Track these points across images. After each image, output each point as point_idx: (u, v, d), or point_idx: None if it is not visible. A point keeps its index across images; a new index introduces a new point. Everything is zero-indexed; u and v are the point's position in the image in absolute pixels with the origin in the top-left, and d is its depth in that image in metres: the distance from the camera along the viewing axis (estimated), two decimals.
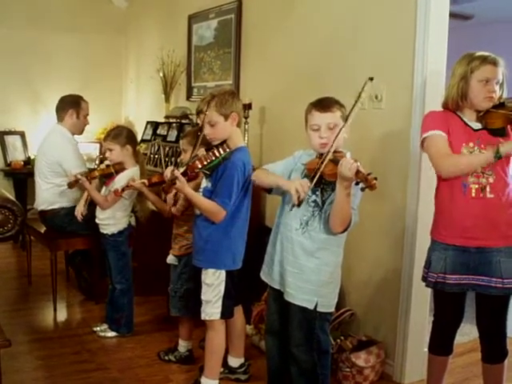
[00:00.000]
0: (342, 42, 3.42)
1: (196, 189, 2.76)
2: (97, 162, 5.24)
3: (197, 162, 2.58)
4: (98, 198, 3.48)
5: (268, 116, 4.17)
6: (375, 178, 1.98)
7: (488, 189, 2.38)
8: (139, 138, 5.04)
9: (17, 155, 6.15)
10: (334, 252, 2.39)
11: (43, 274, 4.47)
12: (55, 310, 4.00)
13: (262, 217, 4.08)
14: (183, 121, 4.90)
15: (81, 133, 4.25)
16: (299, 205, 2.22)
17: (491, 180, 2.38)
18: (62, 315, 4.03)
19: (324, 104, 2.34)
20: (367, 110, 3.15)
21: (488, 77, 2.38)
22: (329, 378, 2.51)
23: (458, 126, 2.44)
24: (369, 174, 2.00)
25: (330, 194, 2.29)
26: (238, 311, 2.99)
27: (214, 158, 2.58)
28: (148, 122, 5.50)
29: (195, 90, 5.25)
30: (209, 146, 2.70)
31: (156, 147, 4.83)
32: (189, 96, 5.34)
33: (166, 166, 4.44)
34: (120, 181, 3.41)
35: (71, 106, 4.11)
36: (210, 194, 2.70)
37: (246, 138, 3.89)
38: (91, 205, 3.61)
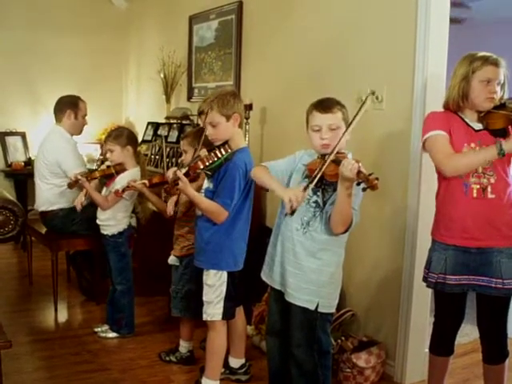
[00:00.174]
0: (342, 42, 3.43)
1: (198, 190, 2.76)
2: (98, 163, 5.25)
3: (199, 162, 2.59)
4: (98, 199, 3.48)
5: (268, 116, 4.17)
6: (376, 179, 1.98)
7: (489, 189, 2.38)
8: (140, 139, 5.04)
9: (17, 156, 6.16)
10: (335, 252, 2.39)
11: (44, 275, 4.48)
12: (56, 310, 4.00)
13: (262, 217, 4.08)
14: (184, 121, 4.91)
15: (79, 133, 4.25)
16: (292, 214, 2.22)
17: (492, 180, 2.38)
18: (62, 316, 4.03)
19: (325, 105, 2.34)
20: (368, 111, 3.12)
21: (489, 77, 2.38)
22: (329, 378, 2.51)
23: (460, 127, 2.44)
24: (370, 175, 2.00)
25: (331, 195, 2.29)
26: (239, 312, 2.99)
27: (215, 159, 2.59)
28: (149, 123, 5.51)
29: (196, 91, 5.26)
30: (210, 147, 2.71)
31: (157, 147, 4.83)
32: (189, 97, 5.34)
33: (167, 167, 4.45)
34: (120, 181, 3.41)
35: (69, 106, 4.11)
36: (211, 195, 2.70)
37: (247, 139, 3.89)
38: (92, 205, 3.61)
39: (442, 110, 2.54)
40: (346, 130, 2.24)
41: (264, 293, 3.38)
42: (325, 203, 2.32)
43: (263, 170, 2.44)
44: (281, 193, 2.25)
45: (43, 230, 4.16)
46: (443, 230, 2.48)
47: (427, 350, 2.72)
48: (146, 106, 6.33)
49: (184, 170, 2.60)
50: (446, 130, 2.43)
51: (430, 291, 2.79)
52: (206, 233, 2.74)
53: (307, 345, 2.40)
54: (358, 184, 2.06)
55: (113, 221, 3.51)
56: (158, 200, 3.26)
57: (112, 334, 3.57)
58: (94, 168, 4.46)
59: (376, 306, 3.26)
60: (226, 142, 2.68)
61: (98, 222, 3.56)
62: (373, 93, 2.25)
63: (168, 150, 4.69)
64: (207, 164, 2.58)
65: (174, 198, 2.96)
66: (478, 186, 2.38)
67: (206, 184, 2.77)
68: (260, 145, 4.19)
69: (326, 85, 3.45)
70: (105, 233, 3.54)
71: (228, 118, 2.69)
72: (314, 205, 2.33)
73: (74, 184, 3.57)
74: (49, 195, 4.02)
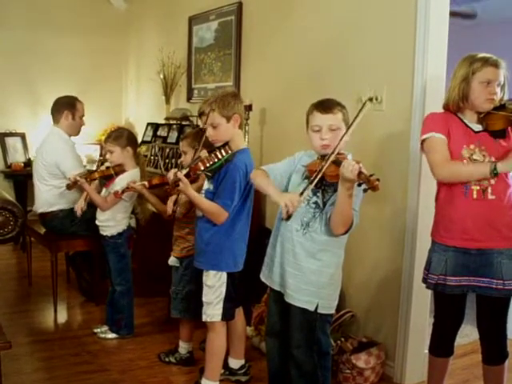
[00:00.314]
0: (342, 43, 3.43)
1: (198, 191, 2.76)
2: (97, 163, 5.25)
3: (199, 163, 2.58)
4: (98, 200, 3.48)
5: (268, 117, 4.17)
6: (378, 179, 1.98)
7: (489, 190, 2.38)
8: (139, 140, 5.04)
9: (17, 157, 6.16)
10: (335, 253, 2.38)
11: (44, 276, 4.47)
12: (55, 311, 4.00)
13: (262, 218, 4.08)
14: (183, 122, 4.91)
15: (77, 134, 4.25)
16: (288, 219, 2.22)
17: (492, 182, 2.38)
18: (62, 317, 4.03)
19: (325, 105, 2.34)
20: (367, 112, 3.13)
21: (489, 78, 2.38)
22: (329, 379, 2.50)
23: (459, 128, 2.44)
24: (371, 176, 2.00)
25: (331, 196, 2.29)
26: (239, 313, 2.99)
27: (216, 160, 2.58)
28: (148, 124, 5.51)
29: (195, 92, 5.26)
30: (210, 148, 2.71)
31: (156, 148, 4.83)
32: (189, 97, 5.34)
33: (166, 168, 4.44)
34: (120, 182, 3.41)
35: (66, 107, 4.10)
36: (211, 196, 2.70)
37: (247, 140, 3.89)
38: (92, 206, 3.61)
39: (442, 110, 2.54)
40: (346, 133, 2.24)
41: (263, 294, 3.38)
42: (325, 204, 2.32)
43: (261, 174, 2.42)
44: (277, 198, 2.24)
45: (43, 231, 4.16)
46: (443, 232, 2.48)
47: (427, 351, 2.72)
48: (145, 107, 6.33)
49: (185, 171, 2.60)
50: (445, 132, 2.43)
51: (429, 292, 2.79)
52: (206, 234, 2.74)
53: (307, 346, 2.40)
54: (359, 185, 2.05)
55: (112, 222, 3.51)
56: (158, 201, 3.26)
57: (111, 335, 3.57)
58: (94, 169, 4.45)
59: (376, 307, 3.26)
60: (226, 143, 2.68)
61: (97, 222, 3.56)
62: (370, 99, 2.24)
63: (167, 150, 4.69)
64: (208, 165, 2.58)
65: (174, 197, 2.96)
66: (478, 188, 2.38)
67: (207, 185, 2.77)
68: (260, 146, 4.19)
69: (326, 86, 3.45)
70: (104, 234, 3.53)
71: (228, 119, 2.69)
72: (313, 205, 2.33)
73: (73, 185, 3.56)
74: (48, 196, 4.01)
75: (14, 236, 3.49)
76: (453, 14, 3.02)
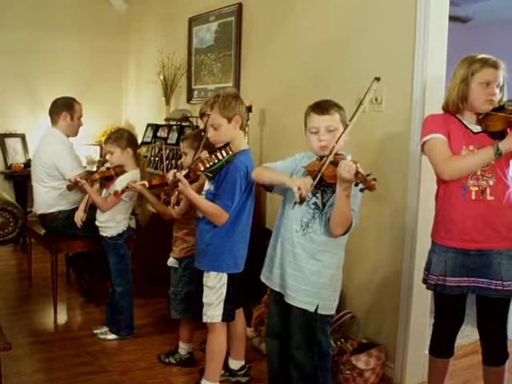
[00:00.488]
0: (341, 44, 3.43)
1: (198, 191, 2.76)
2: (98, 164, 5.24)
3: (199, 164, 2.58)
4: (98, 200, 3.48)
5: (268, 118, 4.17)
6: (374, 179, 1.98)
7: (488, 191, 2.38)
8: (139, 141, 5.04)
9: (17, 158, 6.16)
10: (335, 254, 2.38)
11: (44, 277, 4.48)
12: (56, 312, 4.00)
13: (262, 219, 4.09)
14: (183, 123, 4.91)
15: (75, 135, 4.25)
16: (301, 202, 2.23)
17: (491, 182, 2.38)
18: (62, 318, 4.03)
19: (322, 107, 2.34)
20: (367, 113, 3.15)
21: (489, 80, 2.38)
22: (329, 380, 2.50)
23: (458, 129, 2.44)
24: (368, 175, 2.00)
25: (331, 196, 2.29)
26: (239, 314, 2.99)
27: (216, 161, 2.57)
28: (148, 125, 5.51)
29: (195, 93, 5.26)
30: (211, 149, 2.70)
31: (157, 149, 4.83)
32: (189, 98, 5.34)
33: (167, 169, 4.44)
34: (120, 183, 3.41)
35: (64, 108, 4.11)
36: (212, 197, 2.70)
37: (246, 141, 3.88)
38: (92, 207, 3.61)
39: (441, 111, 2.54)
40: (344, 131, 2.23)
41: (263, 295, 3.38)
42: (324, 205, 2.32)
43: (266, 169, 2.45)
44: (290, 182, 2.25)
45: (42, 232, 4.17)
46: (443, 233, 2.48)
47: (427, 352, 2.72)
48: (145, 108, 6.33)
49: (184, 172, 2.60)
50: (445, 133, 2.43)
51: (429, 293, 2.79)
52: (207, 235, 2.74)
53: (307, 347, 2.40)
54: (356, 185, 2.05)
55: (112, 222, 3.51)
56: (158, 202, 3.26)
57: (111, 336, 3.57)
58: (94, 170, 4.45)
59: (376, 308, 3.26)
60: (227, 144, 2.67)
61: (97, 223, 3.56)
62: (377, 79, 2.23)
63: (167, 151, 4.69)
64: (208, 166, 2.58)
65: (174, 199, 2.95)
66: (477, 188, 2.38)
67: (207, 186, 2.77)
68: (259, 147, 4.19)
69: (326, 87, 3.45)
70: (104, 234, 3.54)
71: (229, 119, 2.69)
72: (313, 206, 2.33)
73: (73, 186, 3.57)
74: (47, 198, 4.01)
75: (14, 237, 3.50)
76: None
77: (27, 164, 5.97)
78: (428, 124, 2.51)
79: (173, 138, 4.89)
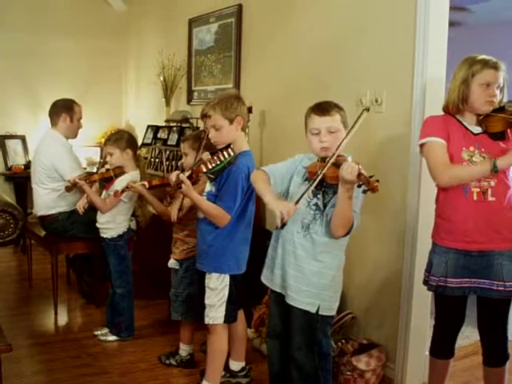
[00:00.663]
0: (342, 45, 3.43)
1: (200, 193, 2.75)
2: (98, 166, 5.24)
3: (202, 165, 2.58)
4: (97, 201, 3.47)
5: (268, 120, 4.17)
6: (377, 181, 1.99)
7: (489, 192, 2.38)
8: (140, 142, 5.04)
9: (17, 159, 6.17)
10: (336, 255, 2.38)
11: (44, 278, 4.48)
12: (56, 313, 3.99)
13: (262, 220, 4.08)
14: (184, 124, 4.91)
15: (75, 136, 4.25)
16: (282, 227, 2.22)
17: (492, 183, 2.38)
18: (62, 319, 4.03)
19: (323, 108, 2.34)
20: (368, 114, 3.14)
21: (489, 81, 2.38)
22: (330, 381, 2.50)
23: (458, 131, 2.45)
24: (371, 177, 2.00)
25: (332, 197, 2.29)
26: (240, 315, 2.98)
27: (219, 162, 2.57)
28: (149, 126, 5.51)
29: (196, 94, 5.26)
30: (212, 150, 2.70)
31: (157, 151, 4.83)
32: (189, 100, 5.35)
33: (167, 170, 4.45)
34: (120, 184, 3.40)
35: (64, 110, 4.11)
36: (214, 199, 2.70)
37: (246, 142, 3.89)
38: (92, 209, 3.61)
39: (442, 113, 2.54)
40: (345, 138, 2.23)
41: (264, 295, 3.38)
42: (325, 206, 2.32)
43: (261, 177, 2.40)
44: (273, 206, 2.22)
45: (43, 234, 4.16)
46: (444, 234, 2.48)
47: (427, 353, 2.72)
48: (145, 109, 6.34)
49: (187, 174, 2.60)
50: (444, 136, 2.43)
51: (430, 293, 2.78)
52: (209, 236, 2.74)
53: (308, 348, 2.40)
54: (359, 186, 2.06)
55: (112, 224, 3.51)
56: (158, 202, 3.26)
57: (112, 337, 3.57)
58: (94, 171, 4.46)
59: (376, 309, 3.26)
60: (228, 146, 2.67)
61: (97, 225, 3.56)
62: (367, 109, 2.24)
63: (168, 152, 4.69)
64: (210, 167, 2.57)
65: (177, 205, 2.95)
66: (478, 189, 2.38)
67: (209, 187, 2.77)
68: (259, 148, 4.19)
69: (326, 88, 3.45)
70: (104, 236, 3.53)
71: (231, 121, 2.69)
72: (314, 207, 2.33)
73: (72, 187, 3.56)
74: (47, 200, 4.01)
75: (15, 238, 3.50)
76: None
77: (27, 165, 5.97)
78: (427, 126, 2.51)
79: (173, 139, 4.89)
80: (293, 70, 3.88)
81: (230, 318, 2.79)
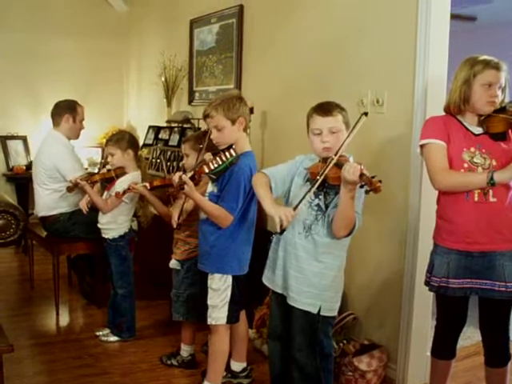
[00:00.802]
0: (343, 45, 3.43)
1: (202, 194, 2.75)
2: (99, 166, 5.25)
3: (204, 166, 2.58)
4: (99, 202, 3.48)
5: (269, 120, 4.17)
6: (379, 181, 1.99)
7: (491, 193, 2.37)
8: (141, 143, 5.04)
9: (19, 160, 6.18)
10: (337, 256, 2.38)
11: (45, 279, 4.47)
12: (57, 314, 3.99)
13: (263, 221, 4.08)
14: (185, 125, 4.91)
15: (77, 137, 4.26)
16: (281, 233, 2.22)
17: None
18: (64, 320, 4.03)
19: (325, 108, 2.34)
20: (369, 114, 3.14)
21: (491, 81, 2.38)
22: (331, 381, 2.51)
23: (459, 131, 2.44)
24: (373, 177, 2.00)
25: (333, 198, 2.29)
26: (242, 315, 2.98)
27: (221, 163, 2.57)
28: (150, 127, 5.52)
29: (197, 95, 5.26)
30: (214, 151, 2.70)
31: (158, 151, 4.83)
32: (190, 100, 5.35)
33: (168, 171, 4.45)
34: (121, 185, 3.41)
35: (67, 111, 4.11)
36: (216, 199, 2.70)
37: (248, 142, 3.88)
38: (93, 209, 3.61)
39: (443, 113, 2.54)
40: (346, 139, 2.23)
41: (265, 296, 3.38)
42: (327, 206, 2.32)
43: (261, 181, 2.41)
44: (272, 211, 2.22)
45: (44, 234, 4.16)
46: (445, 235, 2.48)
47: (429, 354, 2.72)
48: (147, 110, 6.34)
49: (190, 174, 2.60)
50: (445, 137, 2.43)
51: (431, 294, 2.78)
52: (211, 236, 2.73)
53: (309, 348, 2.40)
54: (361, 187, 2.06)
55: (114, 224, 3.51)
56: (159, 203, 3.26)
57: (113, 338, 3.57)
58: (95, 172, 4.46)
59: (378, 309, 3.26)
60: (230, 146, 2.67)
61: (99, 225, 3.56)
62: (366, 113, 2.24)
63: (169, 153, 4.69)
64: (212, 168, 2.57)
65: (178, 209, 2.94)
66: (480, 190, 2.38)
67: (211, 188, 2.77)
68: (261, 148, 4.19)
69: (327, 88, 3.45)
70: (106, 236, 3.54)
71: (233, 121, 2.69)
72: (316, 208, 2.33)
73: (73, 188, 3.56)
74: (48, 200, 4.01)
75: (16, 239, 3.50)
76: (453, 16, 3.02)
77: (29, 166, 5.98)
78: (428, 127, 2.51)
79: (174, 139, 4.89)
80: (294, 70, 3.87)
81: (232, 318, 2.79)
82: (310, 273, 2.35)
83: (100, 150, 6.35)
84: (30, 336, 3.62)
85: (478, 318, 2.56)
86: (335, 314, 2.48)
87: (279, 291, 2.47)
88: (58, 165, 3.96)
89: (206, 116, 2.74)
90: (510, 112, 2.39)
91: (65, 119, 4.09)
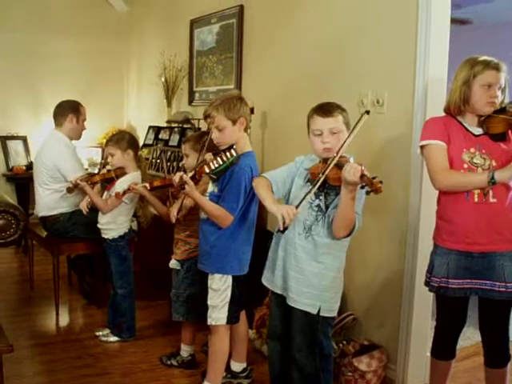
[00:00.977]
0: (343, 46, 3.43)
1: (202, 194, 2.76)
2: (99, 166, 5.26)
3: (204, 166, 2.58)
4: (99, 202, 3.48)
5: (270, 121, 4.17)
6: (380, 182, 1.99)
7: (491, 193, 2.38)
8: (141, 143, 5.04)
9: (19, 160, 6.18)
10: (337, 257, 2.38)
11: (45, 279, 4.47)
12: (57, 314, 3.99)
13: (263, 221, 4.08)
14: (185, 125, 4.91)
15: (79, 138, 4.26)
16: (283, 231, 2.23)
17: None
18: (64, 320, 4.03)
19: (325, 109, 2.34)
20: (369, 114, 3.14)
21: (490, 82, 2.38)
22: (331, 382, 2.51)
23: (459, 132, 2.44)
24: (374, 178, 2.00)
25: (334, 199, 2.29)
26: (242, 316, 2.98)
27: (221, 163, 2.57)
28: (150, 127, 5.52)
29: (197, 95, 5.26)
30: (214, 151, 2.70)
31: (158, 152, 4.83)
32: (191, 101, 5.35)
33: (168, 171, 4.45)
34: (121, 185, 3.41)
35: (71, 111, 4.11)
36: (216, 199, 2.70)
37: (249, 143, 3.88)
38: (93, 210, 3.61)
39: (443, 113, 2.54)
40: (347, 139, 2.23)
41: (265, 296, 3.38)
42: (327, 207, 2.32)
43: (262, 183, 2.43)
44: (274, 210, 2.24)
45: (44, 234, 4.16)
46: (445, 235, 2.48)
47: (429, 354, 2.72)
48: (147, 110, 6.34)
49: (190, 174, 2.60)
50: (445, 138, 2.43)
51: (431, 294, 2.78)
52: (212, 236, 2.73)
53: (308, 349, 2.40)
54: (362, 187, 2.06)
55: (114, 224, 3.51)
56: (159, 203, 3.27)
57: (113, 338, 3.57)
58: (95, 172, 4.46)
59: (377, 310, 3.26)
60: (231, 146, 2.67)
61: (98, 225, 3.56)
62: (367, 112, 2.24)
63: (169, 153, 4.69)
64: (213, 168, 2.58)
65: (177, 205, 2.95)
66: (480, 191, 2.38)
67: (211, 188, 2.77)
68: (261, 149, 4.19)
69: (327, 89, 3.45)
70: (106, 236, 3.54)
71: (234, 121, 2.69)
72: (316, 209, 2.33)
73: (73, 188, 3.56)
74: (48, 200, 4.01)
75: (16, 239, 3.51)
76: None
77: (29, 166, 5.98)
78: (428, 127, 2.51)
79: (174, 140, 4.89)
80: (294, 70, 3.88)
81: (232, 318, 2.79)
82: (310, 273, 2.35)
83: (100, 150, 6.35)
84: (29, 336, 3.62)
85: (478, 318, 2.56)
86: (335, 314, 2.48)
87: (279, 292, 2.47)
88: (58, 165, 3.96)
89: (206, 116, 2.74)
90: (510, 113, 2.39)
91: (68, 119, 4.09)
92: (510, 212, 2.41)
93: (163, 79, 5.46)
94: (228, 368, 3.05)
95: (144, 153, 4.93)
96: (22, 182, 5.90)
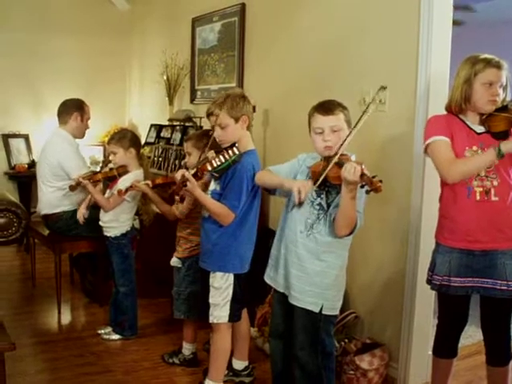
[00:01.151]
0: (345, 44, 3.43)
1: (204, 191, 2.76)
2: (101, 165, 5.25)
3: (207, 164, 2.59)
4: (101, 200, 3.48)
5: (271, 119, 4.17)
6: (380, 181, 1.98)
7: (493, 192, 2.37)
8: (143, 141, 5.04)
9: (21, 158, 6.18)
10: (339, 255, 2.38)
11: (47, 277, 4.48)
12: (59, 312, 4.00)
13: (265, 219, 4.08)
14: (187, 124, 4.91)
15: (82, 136, 4.27)
16: (300, 204, 2.24)
17: (495, 183, 2.38)
18: (66, 318, 4.04)
19: (326, 107, 2.34)
20: (371, 113, 3.14)
21: (492, 80, 2.38)
22: (333, 380, 2.50)
23: (461, 130, 2.44)
24: (373, 177, 2.00)
25: (335, 197, 2.29)
26: (244, 314, 2.98)
27: (224, 161, 2.57)
28: (152, 125, 5.52)
29: (199, 93, 5.26)
30: (217, 149, 2.71)
31: (160, 150, 4.84)
32: (192, 99, 5.35)
33: (171, 170, 4.45)
34: (123, 183, 3.41)
35: (75, 109, 4.12)
36: (218, 197, 2.70)
37: (252, 141, 3.88)
38: (95, 207, 3.62)
39: (445, 112, 2.54)
40: (349, 134, 2.23)
41: (267, 294, 3.38)
42: (328, 205, 2.32)
43: (268, 173, 2.48)
44: (290, 184, 2.28)
45: (46, 233, 4.17)
46: (447, 234, 2.48)
47: (431, 352, 2.72)
48: (149, 108, 6.34)
49: (192, 172, 2.61)
50: (448, 134, 2.43)
51: (433, 293, 2.79)
52: (213, 235, 2.74)
53: (311, 347, 2.40)
54: (362, 187, 2.06)
55: (115, 223, 3.52)
56: (161, 201, 3.27)
57: (115, 336, 3.58)
58: (98, 170, 4.47)
59: (379, 308, 3.26)
60: (233, 144, 2.67)
61: (100, 223, 3.56)
62: (384, 88, 2.23)
63: (171, 151, 4.69)
64: (215, 166, 2.58)
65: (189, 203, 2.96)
66: (481, 189, 2.38)
67: (213, 186, 2.77)
68: (263, 147, 4.19)
69: (329, 87, 3.45)
70: (108, 235, 3.54)
71: (237, 119, 2.69)
72: (317, 207, 2.33)
73: (76, 186, 3.57)
74: (51, 198, 4.02)
75: (18, 237, 3.49)
76: None
77: (31, 164, 5.99)
78: (431, 126, 2.51)
79: (176, 138, 4.89)
80: (296, 68, 3.87)
81: (234, 316, 2.79)
82: (312, 272, 2.35)
83: (102, 148, 6.35)
84: (32, 334, 3.63)
85: (480, 316, 2.56)
86: (337, 312, 2.48)
87: (281, 290, 2.47)
88: (62, 162, 3.96)
89: (209, 114, 2.74)
90: None
91: (73, 118, 4.10)
92: None
93: (165, 77, 5.45)
94: (230, 366, 3.05)
95: (146, 151, 4.93)
96: (24, 180, 5.91)
